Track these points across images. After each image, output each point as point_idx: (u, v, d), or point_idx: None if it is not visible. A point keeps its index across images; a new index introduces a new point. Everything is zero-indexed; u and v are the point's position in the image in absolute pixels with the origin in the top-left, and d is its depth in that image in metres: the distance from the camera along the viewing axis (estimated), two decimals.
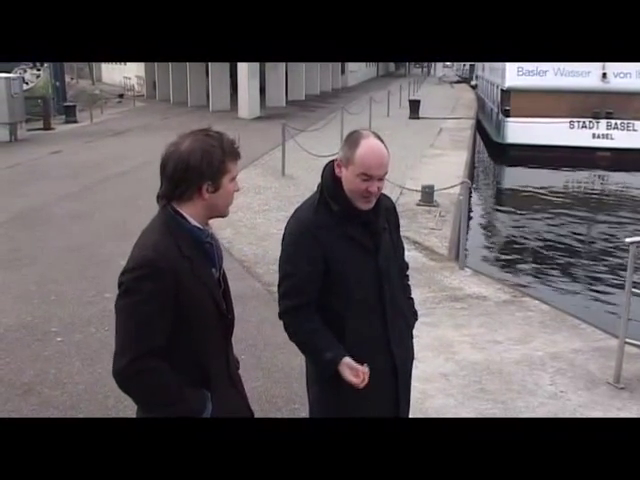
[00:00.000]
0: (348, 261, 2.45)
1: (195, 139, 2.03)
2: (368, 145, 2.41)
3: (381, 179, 2.43)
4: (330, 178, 2.49)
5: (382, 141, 2.46)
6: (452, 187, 9.00)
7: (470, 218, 12.16)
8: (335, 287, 2.44)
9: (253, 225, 8.84)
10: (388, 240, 2.56)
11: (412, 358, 2.68)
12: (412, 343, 2.68)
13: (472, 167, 16.36)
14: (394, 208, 2.68)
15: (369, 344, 2.47)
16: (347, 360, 2.37)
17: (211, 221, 2.17)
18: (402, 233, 2.73)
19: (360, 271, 2.47)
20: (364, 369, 2.34)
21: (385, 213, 2.57)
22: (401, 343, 2.56)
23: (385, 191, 2.56)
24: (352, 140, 2.44)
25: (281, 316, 2.53)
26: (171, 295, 1.97)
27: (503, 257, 10.97)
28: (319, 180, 2.56)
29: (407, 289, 2.74)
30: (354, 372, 2.34)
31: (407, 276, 2.77)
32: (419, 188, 9.73)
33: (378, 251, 2.50)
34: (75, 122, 22.16)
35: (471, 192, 11.66)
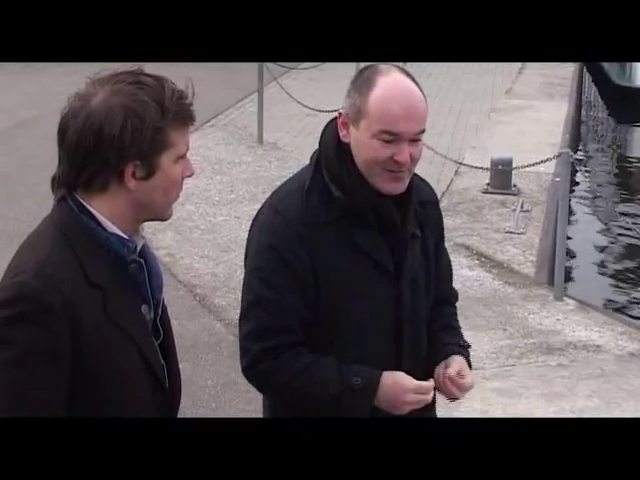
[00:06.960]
0: (348, 286, 2.50)
1: (115, 89, 2.04)
2: (389, 84, 2.45)
3: (415, 140, 2.46)
4: (332, 145, 2.54)
5: (413, 79, 2.51)
6: (543, 162, 9.01)
7: (572, 213, 12.18)
8: (326, 328, 2.51)
9: (210, 226, 8.97)
10: (419, 255, 2.61)
11: None
12: None
13: (577, 128, 16.40)
14: (435, 203, 2.74)
15: None
16: (393, 375, 2.46)
17: (144, 224, 2.19)
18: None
19: (367, 305, 2.52)
20: (427, 384, 2.48)
21: (420, 210, 2.61)
22: None
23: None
24: (363, 80, 2.50)
25: (248, 370, 2.56)
26: (66, 350, 1.97)
27: (629, 280, 10.96)
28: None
29: (449, 325, 2.78)
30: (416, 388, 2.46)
31: (454, 312, 2.84)
32: (487, 164, 9.71)
33: (400, 273, 2.55)
34: None
35: (575, 170, 11.57)
